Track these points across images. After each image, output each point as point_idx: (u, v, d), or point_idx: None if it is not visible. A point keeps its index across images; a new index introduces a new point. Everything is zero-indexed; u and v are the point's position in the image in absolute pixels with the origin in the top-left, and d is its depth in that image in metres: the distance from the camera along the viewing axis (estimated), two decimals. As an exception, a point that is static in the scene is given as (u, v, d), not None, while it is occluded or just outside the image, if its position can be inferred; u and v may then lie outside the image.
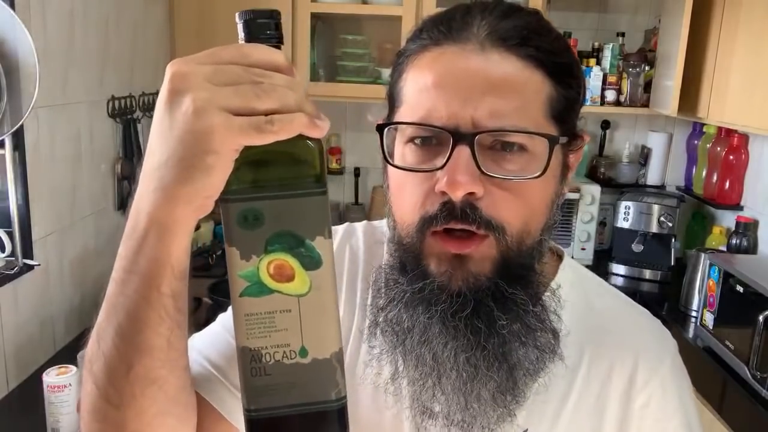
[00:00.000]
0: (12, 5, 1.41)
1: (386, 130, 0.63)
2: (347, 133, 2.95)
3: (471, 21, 0.60)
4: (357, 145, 2.96)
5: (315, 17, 2.51)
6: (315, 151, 0.46)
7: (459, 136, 0.57)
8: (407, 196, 0.61)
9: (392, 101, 0.64)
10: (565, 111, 0.62)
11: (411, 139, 0.61)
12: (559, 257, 0.73)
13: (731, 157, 2.48)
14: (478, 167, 0.57)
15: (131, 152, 2.10)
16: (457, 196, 0.57)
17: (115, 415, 0.51)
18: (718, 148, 2.54)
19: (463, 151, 0.57)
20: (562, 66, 0.61)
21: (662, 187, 2.87)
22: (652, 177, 2.87)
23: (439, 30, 0.61)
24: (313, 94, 2.55)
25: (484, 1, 0.63)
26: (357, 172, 2.92)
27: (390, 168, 0.63)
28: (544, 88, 0.60)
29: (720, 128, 2.53)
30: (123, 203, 2.11)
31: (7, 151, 1.47)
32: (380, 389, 0.68)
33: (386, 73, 2.58)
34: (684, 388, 0.71)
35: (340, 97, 2.65)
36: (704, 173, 2.65)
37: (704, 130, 2.68)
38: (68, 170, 1.78)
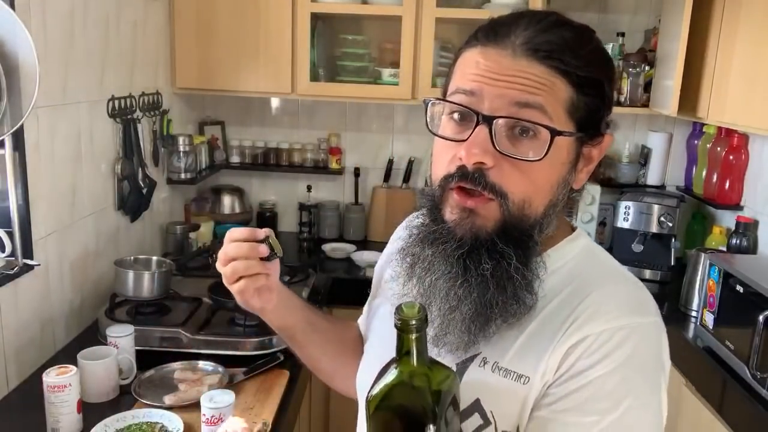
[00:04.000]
0: (12, 5, 1.42)
1: (432, 104, 0.81)
2: (347, 133, 2.94)
3: (514, 30, 0.75)
4: (357, 145, 2.96)
5: (315, 17, 2.51)
6: None
7: (481, 117, 0.73)
8: (440, 158, 0.79)
9: (446, 84, 0.82)
10: (586, 115, 0.76)
11: (450, 114, 0.78)
12: (572, 229, 0.87)
13: (731, 157, 2.48)
14: (493, 144, 0.72)
15: (131, 152, 2.10)
16: (469, 163, 0.73)
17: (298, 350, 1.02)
18: (718, 148, 2.54)
19: (482, 130, 0.73)
20: (586, 79, 0.74)
21: (662, 187, 2.87)
22: (652, 177, 2.87)
23: (488, 35, 0.76)
24: (313, 94, 2.57)
25: (536, 11, 0.78)
26: (357, 172, 2.92)
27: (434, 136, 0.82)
28: (566, 93, 0.74)
29: (720, 128, 2.53)
30: (123, 203, 2.11)
31: (7, 151, 1.47)
32: (394, 305, 0.78)
33: (386, 73, 2.58)
34: (633, 361, 0.72)
35: (340, 97, 2.65)
36: (704, 173, 2.64)
37: (704, 130, 2.67)
38: (68, 170, 1.78)
